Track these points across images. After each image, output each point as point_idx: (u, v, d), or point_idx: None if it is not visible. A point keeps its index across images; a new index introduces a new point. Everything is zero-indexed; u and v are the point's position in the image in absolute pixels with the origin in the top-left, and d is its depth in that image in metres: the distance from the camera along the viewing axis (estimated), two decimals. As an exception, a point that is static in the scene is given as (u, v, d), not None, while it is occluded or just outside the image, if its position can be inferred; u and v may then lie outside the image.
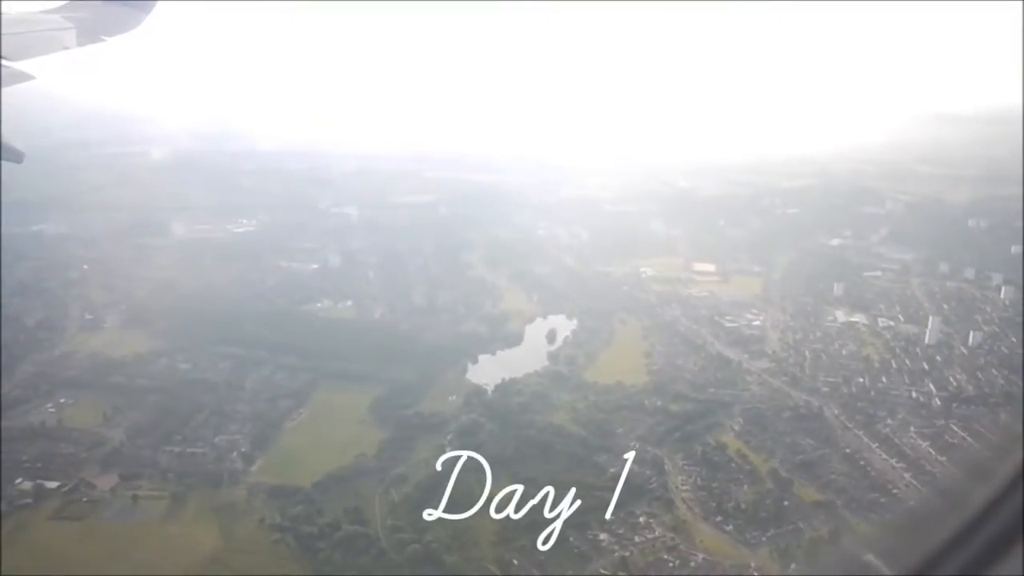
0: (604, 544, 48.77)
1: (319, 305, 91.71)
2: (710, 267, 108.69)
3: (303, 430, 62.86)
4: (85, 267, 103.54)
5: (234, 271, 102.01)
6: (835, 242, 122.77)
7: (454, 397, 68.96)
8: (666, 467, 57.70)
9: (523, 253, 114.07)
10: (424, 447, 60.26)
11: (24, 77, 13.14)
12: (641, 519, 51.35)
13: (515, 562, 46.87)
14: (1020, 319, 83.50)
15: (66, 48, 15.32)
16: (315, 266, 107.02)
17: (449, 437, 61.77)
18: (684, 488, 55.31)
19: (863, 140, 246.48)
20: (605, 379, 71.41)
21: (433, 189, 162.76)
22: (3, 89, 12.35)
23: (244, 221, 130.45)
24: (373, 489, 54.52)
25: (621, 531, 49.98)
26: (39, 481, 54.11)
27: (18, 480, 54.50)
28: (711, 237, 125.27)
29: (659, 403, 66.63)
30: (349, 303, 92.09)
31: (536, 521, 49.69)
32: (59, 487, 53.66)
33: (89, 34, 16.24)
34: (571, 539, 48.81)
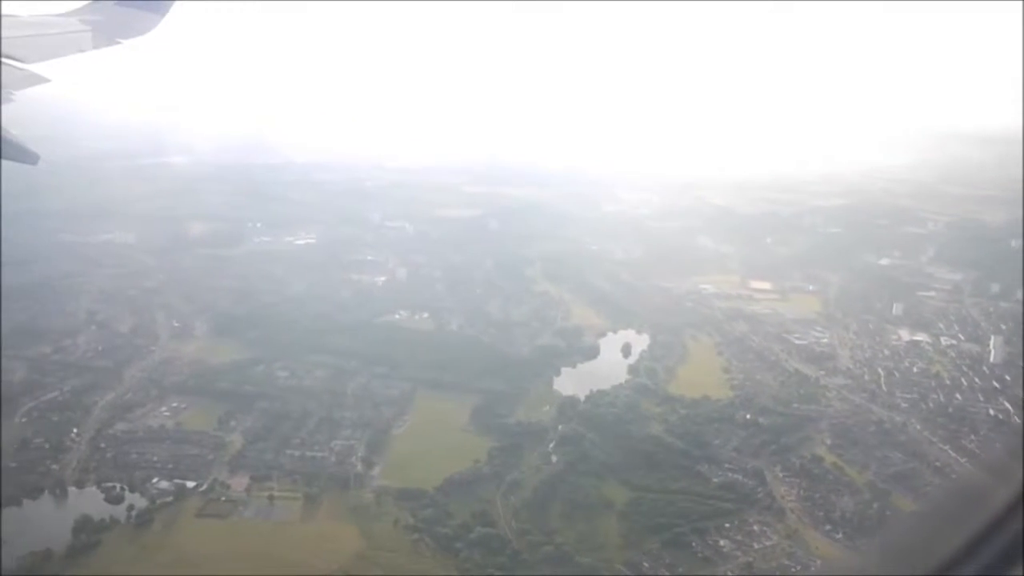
0: (725, 549, 51.33)
1: (397, 317, 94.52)
2: (766, 285, 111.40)
3: (411, 437, 65.46)
4: (161, 277, 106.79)
5: (306, 283, 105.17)
6: (884, 262, 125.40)
7: (548, 407, 71.60)
8: (767, 478, 60.22)
9: (581, 268, 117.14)
10: (531, 454, 62.91)
11: (39, 80, 13.10)
12: (755, 527, 53.88)
13: (645, 564, 49.39)
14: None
15: (81, 51, 15.30)
16: (383, 279, 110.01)
17: (552, 445, 64.45)
18: (789, 498, 57.77)
19: (886, 159, 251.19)
20: (691, 393, 73.95)
21: (475, 203, 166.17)
22: (22, 92, 12.26)
23: (303, 233, 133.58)
24: (492, 493, 57.11)
25: (739, 538, 52.55)
26: (177, 480, 57.03)
27: (155, 479, 57.43)
28: (760, 255, 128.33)
29: (748, 416, 69.20)
30: (425, 315, 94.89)
31: (661, 525, 52.52)
32: (196, 486, 56.49)
33: (104, 37, 16.26)
34: (693, 544, 51.46)
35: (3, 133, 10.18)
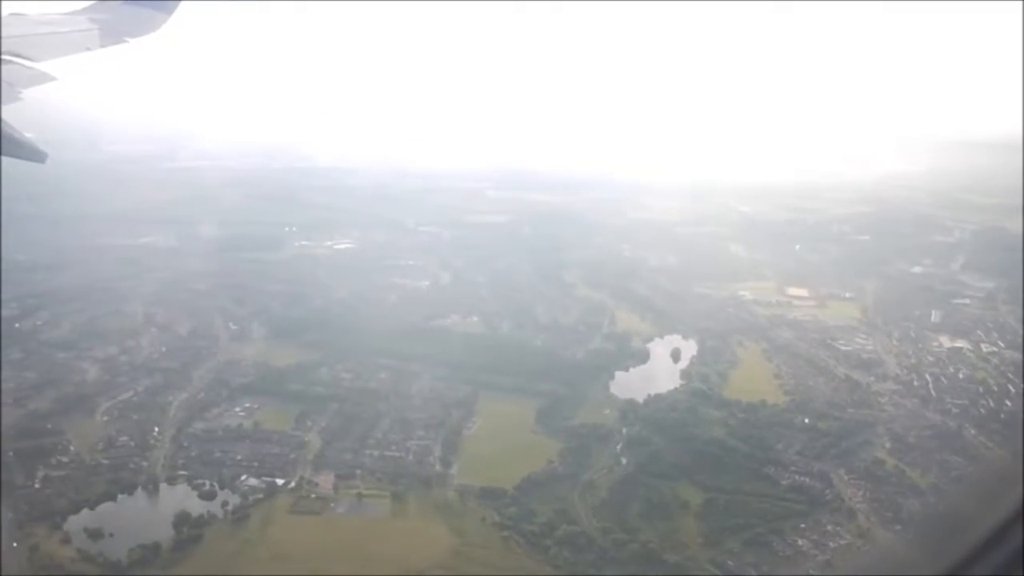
0: (804, 549, 53.10)
1: (448, 320, 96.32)
2: (803, 292, 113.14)
3: (482, 438, 67.18)
4: (210, 280, 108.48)
5: (353, 287, 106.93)
6: (916, 269, 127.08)
7: (608, 410, 73.36)
8: (833, 480, 61.92)
9: (618, 274, 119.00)
10: (600, 456, 64.69)
11: (46, 78, 13.10)
12: (829, 527, 55.66)
13: (730, 563, 51.15)
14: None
15: (89, 49, 15.25)
16: (426, 283, 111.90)
17: (619, 447, 66.24)
18: (857, 499, 59.49)
19: (898, 166, 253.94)
20: (746, 397, 75.53)
21: (503, 209, 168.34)
22: (30, 91, 12.29)
23: (341, 238, 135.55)
24: (569, 493, 58.88)
25: (815, 537, 54.32)
26: (265, 478, 58.83)
27: (243, 477, 59.22)
28: (792, 262, 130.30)
29: (806, 421, 70.99)
30: (475, 319, 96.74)
31: (739, 525, 54.30)
32: (284, 484, 58.28)
33: (112, 35, 16.22)
34: (774, 544, 53.24)
35: (10, 130, 10.05)
